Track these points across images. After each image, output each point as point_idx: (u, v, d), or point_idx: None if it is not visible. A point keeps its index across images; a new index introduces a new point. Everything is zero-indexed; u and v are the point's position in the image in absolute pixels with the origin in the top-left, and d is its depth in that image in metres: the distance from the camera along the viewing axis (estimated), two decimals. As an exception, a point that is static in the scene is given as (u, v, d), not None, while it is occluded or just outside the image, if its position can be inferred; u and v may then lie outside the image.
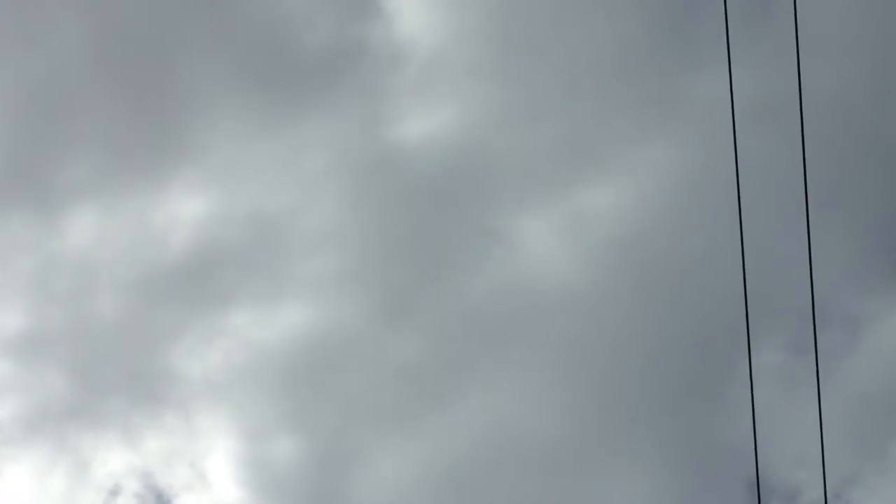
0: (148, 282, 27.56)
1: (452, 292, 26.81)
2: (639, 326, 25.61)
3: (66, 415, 28.19)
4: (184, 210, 27.68)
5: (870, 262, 24.96)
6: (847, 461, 24.12)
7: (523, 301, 26.42)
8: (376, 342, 27.12)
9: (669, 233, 25.55)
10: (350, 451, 27.01)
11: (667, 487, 25.03)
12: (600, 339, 25.92)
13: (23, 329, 27.74)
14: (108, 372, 27.93)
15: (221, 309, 27.76)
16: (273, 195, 27.74)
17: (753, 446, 8.36)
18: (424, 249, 27.27)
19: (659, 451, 25.46)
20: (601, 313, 26.10)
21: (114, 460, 28.20)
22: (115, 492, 28.00)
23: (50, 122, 27.05)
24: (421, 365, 26.81)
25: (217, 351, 27.66)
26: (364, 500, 26.48)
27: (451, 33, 27.53)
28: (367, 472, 26.69)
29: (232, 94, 27.32)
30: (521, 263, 26.80)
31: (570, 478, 25.72)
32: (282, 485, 27.51)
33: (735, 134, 8.22)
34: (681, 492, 24.98)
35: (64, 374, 27.94)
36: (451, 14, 27.67)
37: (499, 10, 27.01)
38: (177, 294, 27.80)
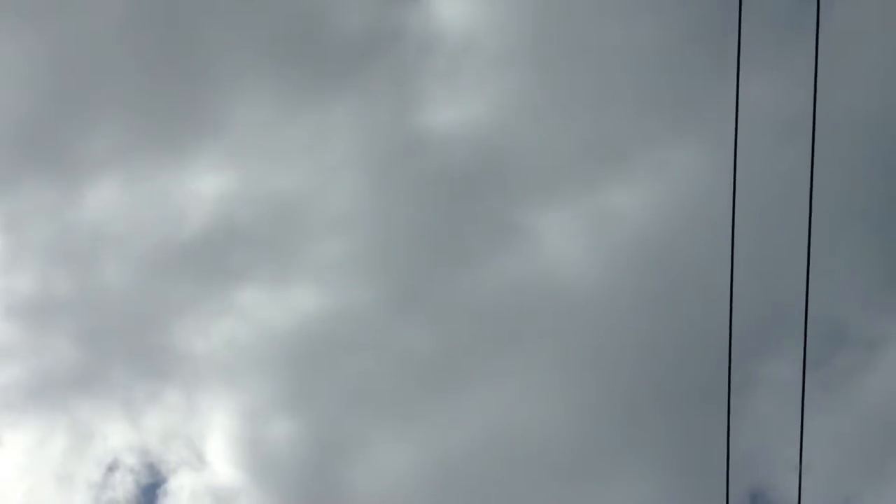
0: (161, 256, 27.34)
1: (467, 284, 26.37)
2: (654, 330, 25.01)
3: (68, 383, 27.95)
4: (203, 187, 27.45)
5: (892, 281, 24.14)
6: (853, 477, 23.46)
7: (538, 297, 25.96)
8: (384, 329, 26.74)
9: (692, 237, 24.92)
10: (350, 437, 26.65)
11: (670, 492, 24.37)
12: (613, 339, 25.41)
13: (33, 294, 27.56)
14: (113, 343, 27.71)
15: (231, 287, 27.46)
16: (293, 177, 27.47)
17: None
18: (442, 239, 26.85)
19: (665, 456, 24.80)
20: (616, 314, 25.60)
21: (113, 435, 27.93)
22: (112, 467, 27.70)
23: (77, 93, 26.95)
24: (428, 355, 26.43)
25: (223, 329, 27.34)
26: (361, 486, 26.10)
27: (485, 23, 27.17)
28: (366, 458, 26.30)
29: (260, 74, 27.12)
30: (540, 259, 26.36)
31: (570, 477, 25.24)
32: (279, 467, 27.13)
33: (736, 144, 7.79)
34: (684, 497, 24.26)
35: (70, 343, 27.72)
36: (487, 4, 27.32)
37: (535, 1, 26.63)
38: (188, 270, 27.54)
